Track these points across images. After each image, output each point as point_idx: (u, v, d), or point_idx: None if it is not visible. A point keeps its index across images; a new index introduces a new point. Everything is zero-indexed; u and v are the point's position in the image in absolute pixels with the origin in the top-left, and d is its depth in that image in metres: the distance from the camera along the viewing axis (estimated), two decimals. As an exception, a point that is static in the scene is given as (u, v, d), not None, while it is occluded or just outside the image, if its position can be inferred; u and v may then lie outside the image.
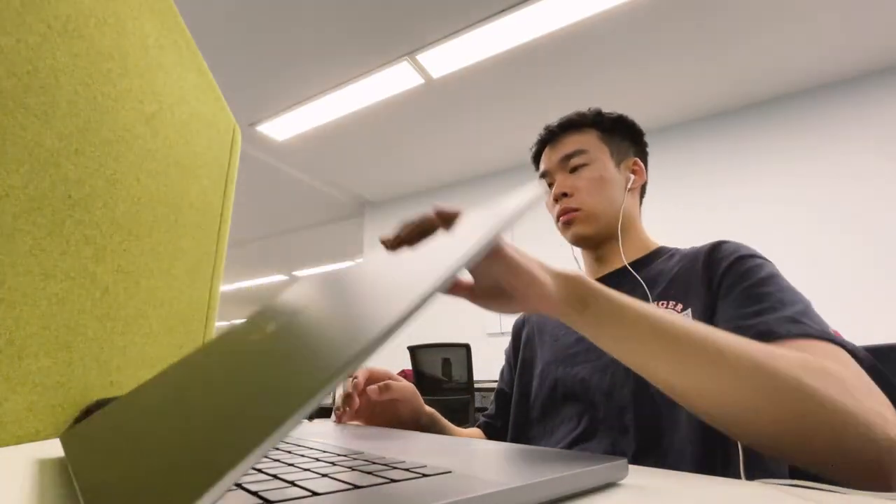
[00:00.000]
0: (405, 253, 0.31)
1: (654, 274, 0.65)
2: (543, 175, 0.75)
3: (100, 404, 0.39)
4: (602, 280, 0.71)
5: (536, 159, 0.78)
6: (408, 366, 3.28)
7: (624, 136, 0.75)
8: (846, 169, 2.74)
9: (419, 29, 2.37)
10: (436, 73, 2.68)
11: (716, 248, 0.59)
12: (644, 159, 0.78)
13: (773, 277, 0.52)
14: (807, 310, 0.47)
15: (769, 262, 0.55)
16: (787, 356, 0.35)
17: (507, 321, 3.59)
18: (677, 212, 3.11)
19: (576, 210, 0.70)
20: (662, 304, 0.59)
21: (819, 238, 2.69)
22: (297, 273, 7.41)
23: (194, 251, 0.60)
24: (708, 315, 0.54)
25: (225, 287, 8.24)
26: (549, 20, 2.31)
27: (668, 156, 3.27)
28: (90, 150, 0.39)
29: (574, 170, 0.71)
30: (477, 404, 3.25)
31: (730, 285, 0.54)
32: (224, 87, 2.78)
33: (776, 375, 0.33)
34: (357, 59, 2.60)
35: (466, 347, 2.98)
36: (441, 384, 3.05)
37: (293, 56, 2.55)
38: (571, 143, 0.73)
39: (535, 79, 2.71)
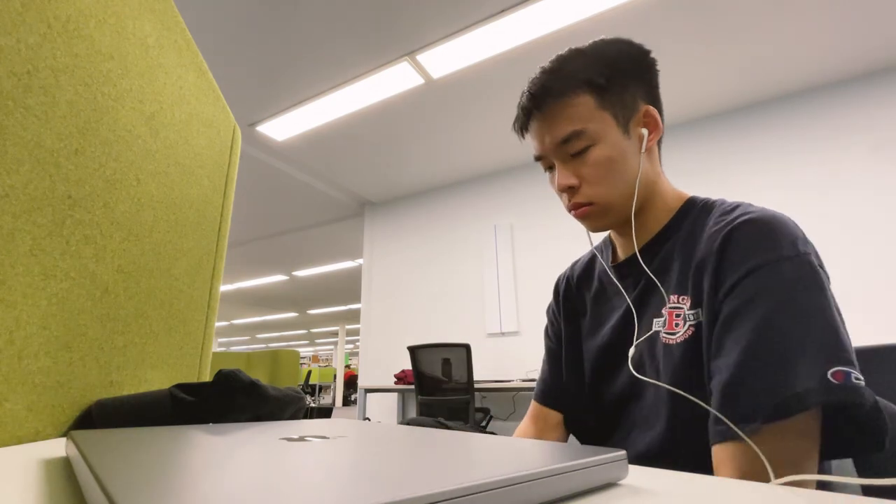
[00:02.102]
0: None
1: (678, 248, 0.56)
2: (538, 159, 0.62)
3: (100, 404, 0.39)
4: (623, 267, 0.63)
5: (524, 128, 0.63)
6: (408, 366, 3.28)
7: (625, 81, 0.57)
8: (846, 169, 2.74)
9: (419, 29, 2.36)
10: (436, 73, 2.68)
11: (733, 238, 0.49)
12: (656, 93, 0.60)
13: (770, 317, 0.44)
14: (748, 380, 0.43)
15: (794, 266, 0.46)
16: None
17: (508, 322, 3.59)
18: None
19: (587, 204, 0.58)
20: (678, 298, 0.53)
21: (818, 238, 2.68)
22: (297, 273, 7.41)
23: (194, 251, 0.60)
24: (711, 325, 0.49)
25: (225, 287, 8.25)
26: (549, 20, 2.31)
27: (666, 155, 3.27)
28: (90, 150, 0.39)
29: (576, 154, 0.57)
30: (477, 404, 3.25)
31: (728, 313, 0.47)
32: (224, 87, 2.78)
33: None
34: (357, 59, 2.59)
35: (466, 347, 2.98)
36: (441, 384, 3.05)
37: (293, 56, 2.55)
38: (563, 120, 0.57)
39: (535, 79, 2.70)
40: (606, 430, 0.62)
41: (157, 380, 0.51)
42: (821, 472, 0.45)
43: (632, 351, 0.56)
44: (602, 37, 0.60)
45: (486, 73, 2.66)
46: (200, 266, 0.63)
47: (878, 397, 0.41)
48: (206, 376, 0.65)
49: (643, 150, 0.58)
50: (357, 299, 8.57)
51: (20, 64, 0.32)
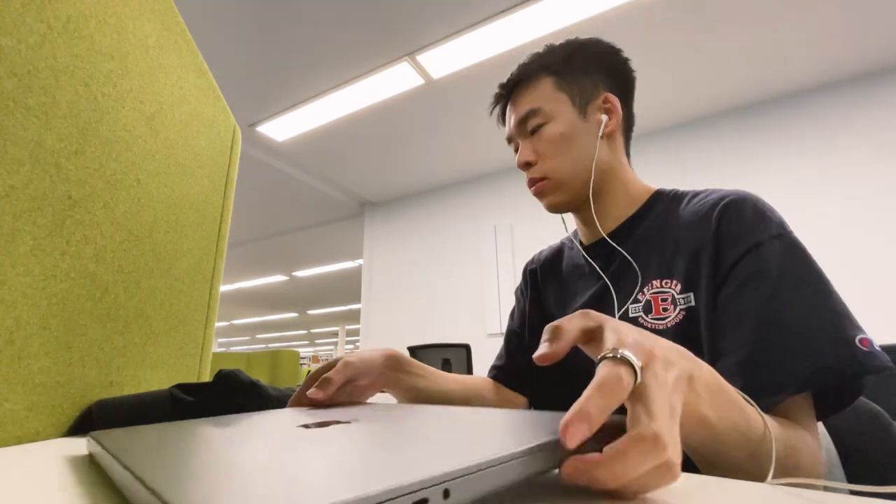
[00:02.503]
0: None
1: (652, 235, 0.57)
2: (509, 141, 0.67)
3: (100, 404, 0.39)
4: (592, 249, 0.64)
5: (503, 116, 0.69)
6: (408, 366, 3.27)
7: (587, 69, 0.62)
8: (846, 169, 2.74)
9: (419, 29, 2.37)
10: (436, 73, 2.68)
11: (726, 217, 0.50)
12: (623, 87, 0.64)
13: (778, 290, 0.45)
14: (769, 356, 0.42)
15: (786, 245, 0.47)
16: (788, 444, 0.38)
17: (507, 322, 3.59)
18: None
19: (542, 179, 0.62)
20: (662, 282, 0.53)
21: (818, 238, 2.69)
22: (297, 273, 7.41)
23: (194, 251, 0.60)
24: (711, 306, 0.48)
25: (225, 287, 8.25)
26: (549, 21, 2.31)
27: (666, 156, 3.27)
28: (90, 150, 0.39)
29: (534, 131, 0.62)
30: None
31: (732, 291, 0.47)
32: (224, 87, 2.78)
33: (785, 467, 0.37)
34: (357, 60, 2.60)
35: (466, 348, 2.98)
36: (441, 384, 3.04)
37: (293, 56, 2.55)
38: (525, 100, 0.63)
39: (535, 79, 2.70)
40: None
41: (157, 380, 0.51)
42: None
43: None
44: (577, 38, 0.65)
45: (486, 73, 2.66)
46: (200, 266, 0.63)
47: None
48: (206, 376, 0.65)
49: (601, 135, 0.60)
50: (357, 299, 8.56)
51: (21, 64, 0.32)
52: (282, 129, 3.24)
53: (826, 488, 0.52)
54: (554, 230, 3.68)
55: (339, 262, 6.77)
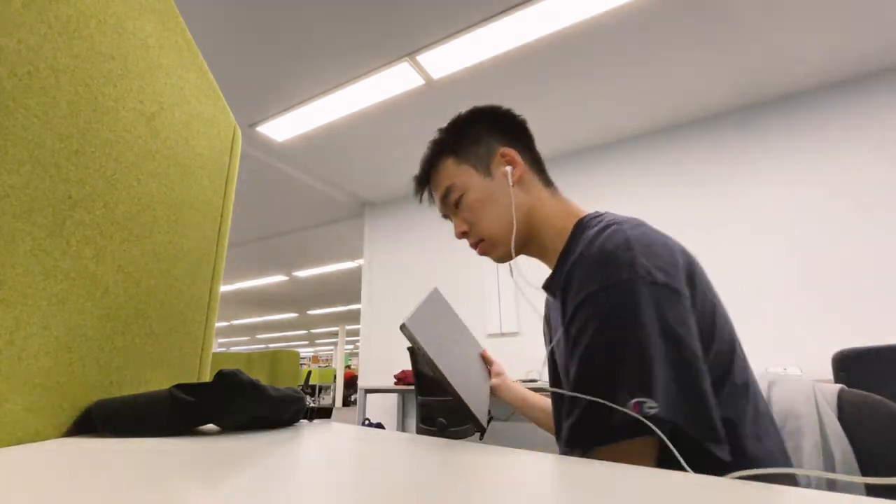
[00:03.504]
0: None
1: (561, 286, 0.61)
2: (444, 216, 0.76)
3: (100, 404, 0.39)
4: (547, 286, 0.69)
5: (424, 195, 0.78)
6: (408, 366, 3.28)
7: (475, 136, 0.71)
8: (846, 170, 2.74)
9: (419, 29, 2.37)
10: (436, 74, 2.68)
11: (569, 275, 0.55)
12: (515, 135, 0.72)
13: (588, 353, 0.49)
14: (579, 414, 0.48)
15: (605, 299, 0.49)
16: None
17: (508, 322, 3.60)
18: (677, 212, 3.11)
19: (480, 241, 0.69)
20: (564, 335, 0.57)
21: (818, 239, 2.69)
22: (297, 273, 7.41)
23: (194, 251, 0.60)
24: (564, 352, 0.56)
25: (225, 287, 8.24)
26: (549, 21, 2.31)
27: (667, 156, 3.27)
28: (91, 150, 0.39)
29: (458, 204, 0.70)
30: (477, 405, 3.24)
31: (573, 348, 0.52)
32: (224, 87, 2.77)
33: None
34: (357, 60, 2.60)
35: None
36: (441, 384, 3.04)
37: (293, 56, 2.56)
38: (438, 182, 0.73)
39: (535, 80, 2.71)
40: None
41: (157, 380, 0.51)
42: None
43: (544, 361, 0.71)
44: (460, 111, 0.74)
45: (486, 74, 2.65)
46: (200, 266, 0.63)
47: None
48: (206, 376, 0.65)
49: (511, 184, 0.67)
50: (357, 299, 8.57)
51: (21, 64, 0.32)
52: (282, 129, 3.24)
53: (808, 481, 0.52)
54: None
55: (339, 262, 6.77)
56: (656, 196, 3.21)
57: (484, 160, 0.69)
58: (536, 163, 0.73)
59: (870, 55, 2.59)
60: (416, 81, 2.73)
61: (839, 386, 0.66)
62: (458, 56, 2.52)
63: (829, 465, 0.59)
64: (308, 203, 4.65)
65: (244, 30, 2.35)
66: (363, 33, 2.38)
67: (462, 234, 0.71)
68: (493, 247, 0.69)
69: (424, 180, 0.76)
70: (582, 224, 0.64)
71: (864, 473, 0.57)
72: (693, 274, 0.54)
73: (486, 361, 0.85)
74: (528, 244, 0.69)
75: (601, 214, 0.64)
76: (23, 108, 0.32)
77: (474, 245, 0.71)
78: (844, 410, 0.62)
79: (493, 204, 0.67)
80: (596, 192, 3.46)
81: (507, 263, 0.72)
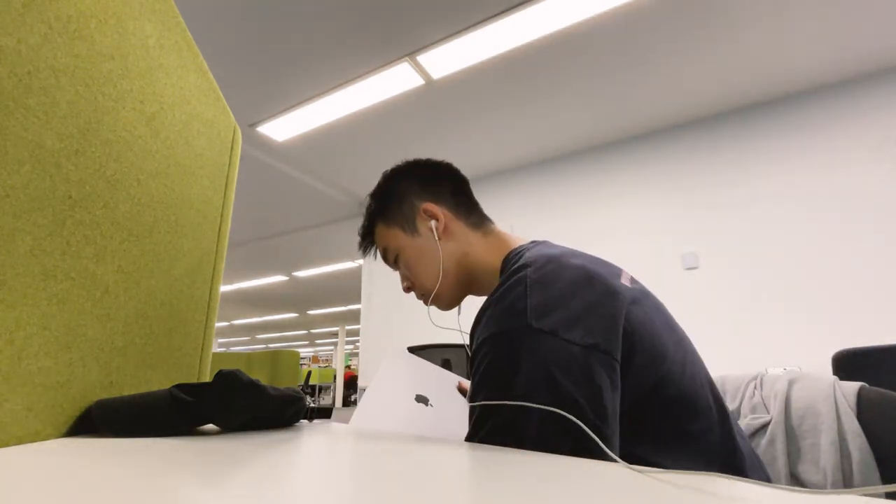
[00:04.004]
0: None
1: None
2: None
3: (100, 404, 0.39)
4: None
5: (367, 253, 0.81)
6: (408, 366, 3.27)
7: (398, 197, 0.73)
8: (846, 170, 2.74)
9: (419, 29, 2.37)
10: (436, 73, 2.68)
11: (479, 319, 0.57)
12: (433, 185, 0.74)
13: (485, 378, 0.50)
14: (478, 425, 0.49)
15: (486, 350, 0.51)
16: None
17: (507, 322, 3.59)
18: (677, 212, 3.11)
19: (422, 295, 0.73)
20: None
21: (819, 238, 2.69)
22: (297, 273, 7.40)
23: (194, 251, 0.60)
24: None
25: (225, 287, 8.24)
26: (549, 21, 2.31)
27: (667, 156, 3.27)
28: (91, 150, 0.39)
29: (396, 262, 0.74)
30: (477, 405, 3.24)
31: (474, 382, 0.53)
32: (224, 87, 2.77)
33: None
34: (357, 60, 2.60)
35: (466, 348, 2.97)
36: (441, 385, 3.04)
37: (293, 56, 2.56)
38: (377, 244, 0.76)
39: (535, 80, 2.71)
40: None
41: (157, 380, 0.51)
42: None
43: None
44: (383, 172, 0.76)
45: (486, 74, 2.66)
46: (200, 266, 0.63)
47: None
48: (206, 377, 0.65)
49: (437, 238, 0.70)
50: (357, 299, 8.57)
51: (21, 64, 0.32)
52: (282, 129, 3.24)
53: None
54: (554, 231, 3.68)
55: (339, 262, 6.77)
56: (657, 196, 3.21)
57: (409, 220, 0.72)
58: (462, 206, 0.74)
59: (870, 55, 2.59)
60: (416, 81, 2.73)
61: (860, 384, 0.67)
62: (458, 56, 2.52)
63: (847, 462, 0.60)
64: (308, 203, 4.65)
65: (244, 30, 2.35)
66: (363, 33, 2.38)
67: (407, 290, 0.75)
68: (438, 299, 0.72)
69: (366, 245, 0.80)
70: (507, 260, 0.66)
71: (882, 471, 0.57)
72: (621, 316, 0.52)
73: (464, 392, 0.85)
74: (471, 287, 0.73)
75: (522, 250, 0.64)
76: (23, 108, 0.32)
77: (419, 298, 0.74)
78: (863, 408, 0.63)
79: (425, 260, 0.70)
80: (596, 193, 3.46)
81: (427, 308, 0.76)
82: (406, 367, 0.80)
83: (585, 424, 0.40)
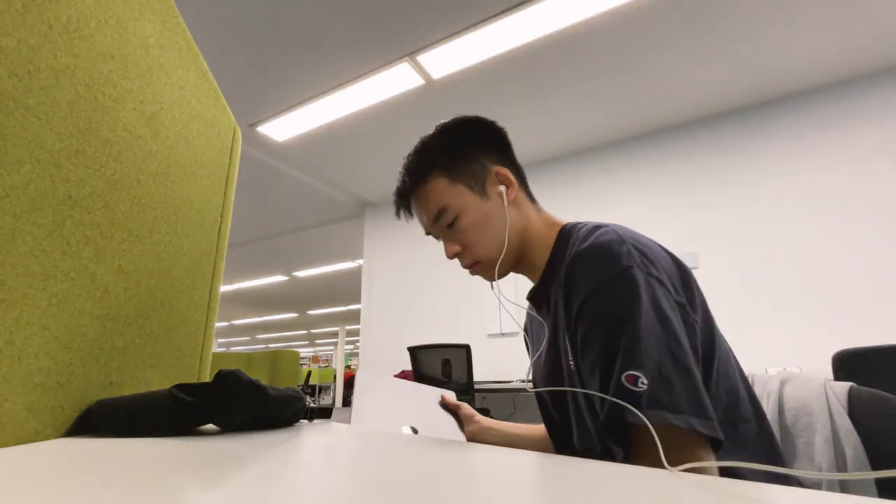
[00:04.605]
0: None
1: (555, 282, 0.62)
2: (428, 234, 0.72)
3: (100, 404, 0.39)
4: (535, 296, 0.69)
5: (407, 210, 0.73)
6: (408, 366, 3.27)
7: (469, 154, 0.68)
8: (847, 169, 2.74)
9: (419, 29, 2.37)
10: (436, 73, 2.68)
11: (568, 276, 0.56)
12: (503, 150, 0.70)
13: (614, 332, 0.50)
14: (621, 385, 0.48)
15: (622, 287, 0.51)
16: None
17: (507, 323, 3.59)
18: (678, 212, 3.10)
19: (475, 263, 0.68)
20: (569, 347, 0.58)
21: (819, 238, 2.69)
22: (297, 273, 7.40)
23: (194, 251, 0.60)
24: (574, 349, 0.56)
25: (225, 287, 8.24)
26: (549, 21, 2.31)
27: (668, 156, 3.27)
28: (91, 150, 0.39)
29: (451, 225, 0.67)
30: (477, 405, 3.24)
31: (582, 340, 0.53)
32: (224, 87, 2.77)
33: None
34: (357, 60, 2.60)
35: (466, 348, 2.97)
36: (441, 385, 3.04)
37: (293, 56, 2.56)
38: (429, 201, 0.67)
39: (535, 80, 2.71)
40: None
41: (157, 380, 0.51)
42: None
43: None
44: (448, 119, 0.69)
45: (485, 74, 2.66)
46: (200, 266, 0.63)
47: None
48: (206, 377, 0.65)
49: (507, 204, 0.66)
50: (357, 299, 8.57)
51: (21, 64, 0.32)
52: (282, 129, 3.24)
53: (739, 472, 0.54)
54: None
55: (339, 262, 6.77)
56: (657, 196, 3.21)
57: (479, 180, 0.67)
58: (522, 178, 0.72)
59: (870, 55, 2.59)
60: (416, 81, 2.73)
61: (849, 384, 0.68)
62: (458, 56, 2.52)
63: (841, 460, 0.61)
64: (308, 203, 4.65)
65: (244, 30, 2.35)
66: (363, 33, 2.38)
67: (455, 255, 0.68)
68: (489, 268, 0.68)
69: (406, 204, 0.71)
70: (566, 231, 0.65)
71: (875, 468, 0.57)
72: (689, 279, 0.58)
73: (450, 408, 0.82)
74: (519, 262, 0.70)
75: (582, 222, 0.65)
76: (23, 108, 0.32)
77: (468, 266, 0.69)
78: (855, 407, 0.64)
79: (491, 226, 0.66)
80: (596, 193, 3.46)
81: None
82: (380, 388, 0.72)
83: (689, 358, 0.47)
